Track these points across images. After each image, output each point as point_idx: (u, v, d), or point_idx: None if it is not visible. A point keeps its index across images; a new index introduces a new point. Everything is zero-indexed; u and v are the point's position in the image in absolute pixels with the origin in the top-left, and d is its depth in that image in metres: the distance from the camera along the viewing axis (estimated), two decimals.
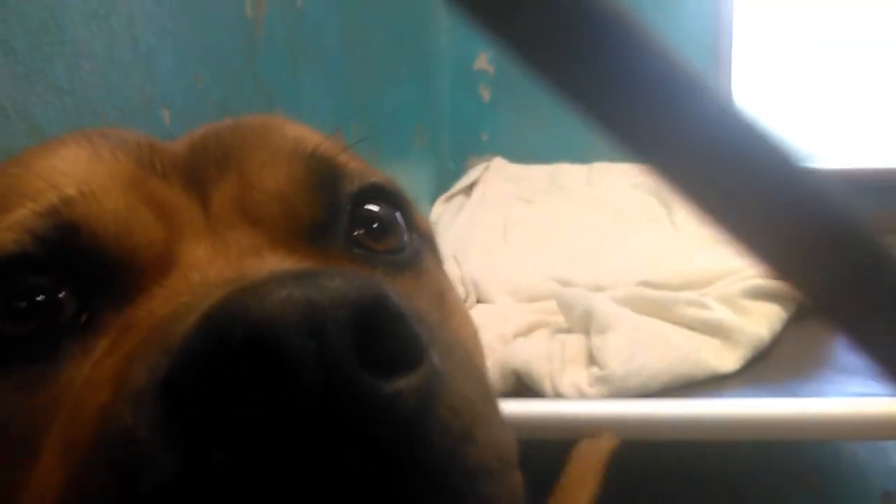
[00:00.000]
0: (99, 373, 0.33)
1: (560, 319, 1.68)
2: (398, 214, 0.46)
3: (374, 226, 0.45)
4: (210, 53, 1.19)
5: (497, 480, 0.30)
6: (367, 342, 0.26)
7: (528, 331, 1.66)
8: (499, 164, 2.96)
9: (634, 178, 2.63)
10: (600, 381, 1.43)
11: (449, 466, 0.28)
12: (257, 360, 0.25)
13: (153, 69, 1.02)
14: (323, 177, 0.43)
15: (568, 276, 1.91)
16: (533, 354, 1.52)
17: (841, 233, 0.13)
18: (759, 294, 1.64)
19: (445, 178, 2.92)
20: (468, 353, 0.34)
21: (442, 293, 0.47)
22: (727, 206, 0.13)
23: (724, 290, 1.67)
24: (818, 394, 1.39)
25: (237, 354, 0.25)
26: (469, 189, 2.79)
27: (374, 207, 0.45)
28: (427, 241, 0.49)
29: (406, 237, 0.46)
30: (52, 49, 0.83)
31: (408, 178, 2.52)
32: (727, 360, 1.50)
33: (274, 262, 0.37)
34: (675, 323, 1.58)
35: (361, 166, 0.46)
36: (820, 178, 0.13)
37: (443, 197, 2.75)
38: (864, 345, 0.13)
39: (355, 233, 0.44)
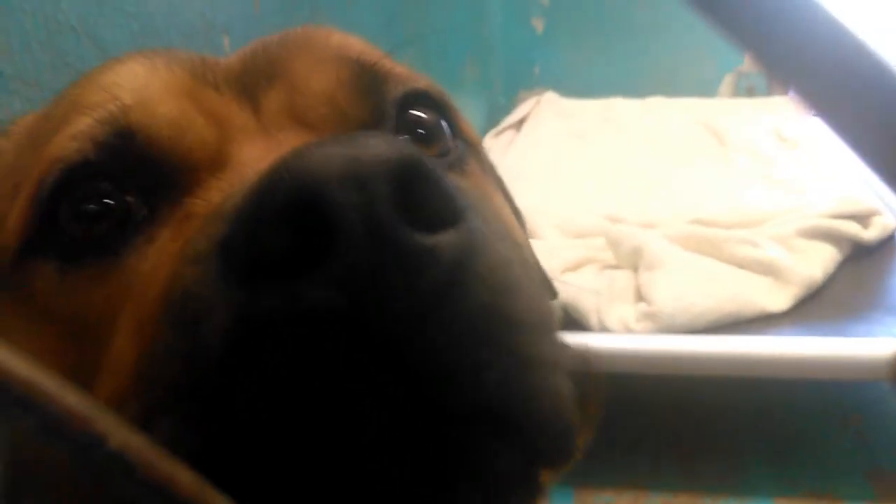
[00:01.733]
0: (163, 255, 0.36)
1: (608, 256, 1.68)
2: (443, 121, 0.47)
3: (420, 131, 0.46)
4: None
5: (536, 334, 0.31)
6: (409, 199, 0.27)
7: (576, 266, 1.66)
8: (550, 99, 2.92)
9: (690, 114, 2.58)
10: (647, 316, 1.44)
11: (488, 315, 0.29)
12: (304, 213, 0.26)
13: None
14: (368, 80, 0.44)
15: (618, 213, 1.90)
16: (580, 289, 1.53)
17: None
18: (815, 234, 1.62)
19: (496, 113, 2.89)
20: (507, 226, 0.34)
21: (487, 196, 0.47)
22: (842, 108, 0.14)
23: (779, 230, 1.64)
24: (868, 335, 1.38)
25: (285, 209, 0.26)
26: (519, 124, 2.77)
27: (419, 113, 0.46)
28: (472, 147, 0.49)
29: (451, 143, 0.47)
30: None
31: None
32: (778, 299, 1.49)
33: None
34: (725, 261, 1.57)
35: (406, 72, 0.47)
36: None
37: (493, 132, 2.73)
38: None
39: (403, 137, 0.45)
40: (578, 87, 2.92)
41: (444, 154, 0.46)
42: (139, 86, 0.41)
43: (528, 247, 0.50)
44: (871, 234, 1.68)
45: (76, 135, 0.39)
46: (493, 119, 2.84)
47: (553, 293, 0.67)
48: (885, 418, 1.68)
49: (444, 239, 0.28)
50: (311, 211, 0.26)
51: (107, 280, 0.38)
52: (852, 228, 1.66)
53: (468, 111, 2.70)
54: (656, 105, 2.75)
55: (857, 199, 1.74)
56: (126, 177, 0.39)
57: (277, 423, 0.27)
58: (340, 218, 0.26)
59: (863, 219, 1.69)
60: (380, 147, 0.27)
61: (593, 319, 1.48)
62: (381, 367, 0.27)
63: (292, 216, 0.26)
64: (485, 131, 2.74)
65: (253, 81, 0.44)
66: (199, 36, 1.00)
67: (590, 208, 1.97)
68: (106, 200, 0.39)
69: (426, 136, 0.46)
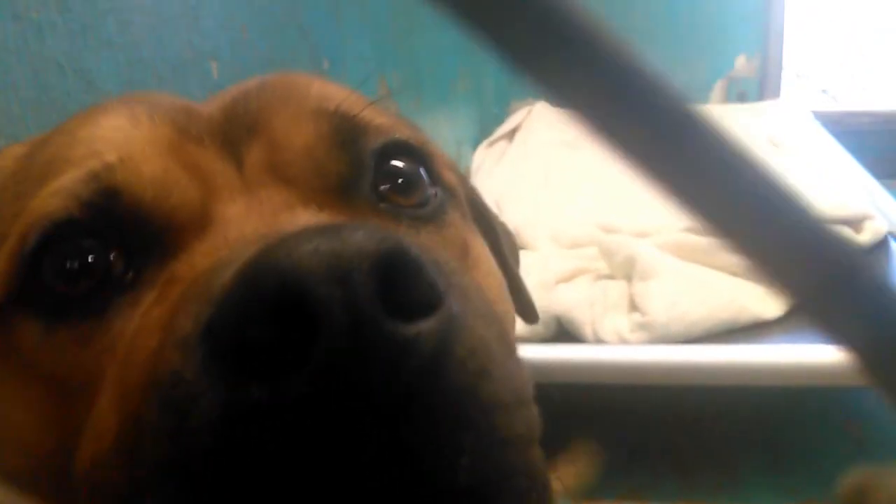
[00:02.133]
0: (147, 322, 0.36)
1: (602, 266, 1.68)
2: (422, 170, 0.48)
3: (399, 181, 0.46)
4: (255, 5, 1.20)
5: (512, 414, 0.32)
6: (389, 289, 0.28)
7: (569, 277, 1.67)
8: (542, 109, 2.93)
9: None
10: (642, 327, 1.44)
11: (466, 400, 0.30)
12: (289, 308, 0.27)
13: (201, 22, 1.04)
14: (347, 133, 0.45)
15: (611, 223, 1.90)
16: (574, 300, 1.53)
17: (821, 246, 0.14)
18: None
19: (488, 123, 2.90)
20: (485, 298, 0.35)
21: (466, 246, 0.48)
22: (734, 219, 0.14)
23: None
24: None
25: (269, 303, 0.27)
26: (512, 134, 2.78)
27: (398, 163, 0.46)
28: (452, 194, 0.50)
29: (430, 191, 0.47)
30: (105, 5, 0.85)
31: (450, 124, 2.52)
32: (771, 306, 1.49)
33: (305, 218, 0.39)
34: (719, 269, 1.57)
35: (386, 122, 0.47)
36: (806, 208, 0.14)
37: (485, 142, 2.74)
38: (836, 335, 0.15)
39: (381, 187, 0.45)
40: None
41: (423, 203, 0.47)
42: (122, 141, 0.42)
43: (506, 308, 0.50)
44: (863, 238, 1.68)
45: (59, 191, 0.40)
46: (485, 129, 2.84)
47: (535, 317, 0.68)
48: (882, 424, 1.68)
49: (425, 326, 0.29)
50: (296, 305, 0.27)
51: (92, 341, 0.38)
52: (844, 233, 1.66)
53: (460, 121, 2.71)
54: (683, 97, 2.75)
55: (850, 204, 1.74)
56: (110, 235, 0.40)
57: (262, 501, 0.28)
58: (324, 313, 0.27)
59: (855, 223, 1.70)
60: (362, 240, 0.28)
61: (587, 331, 1.49)
62: (362, 451, 0.28)
63: (276, 310, 0.27)
64: (477, 141, 2.75)
65: (235, 134, 0.44)
66: (187, 65, 1.00)
67: (582, 218, 1.97)
68: (89, 258, 0.39)
69: (405, 186, 0.46)
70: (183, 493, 0.29)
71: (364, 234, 0.28)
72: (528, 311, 0.67)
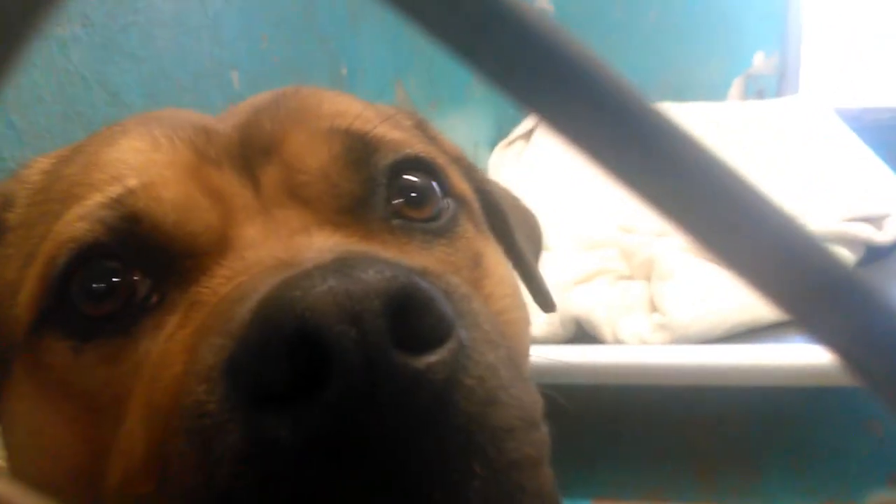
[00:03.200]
0: (172, 346, 0.38)
1: (622, 266, 1.68)
2: (434, 183, 0.49)
3: (413, 195, 0.47)
4: (273, 14, 1.21)
5: (520, 437, 0.33)
6: (400, 324, 0.29)
7: (589, 278, 1.67)
8: None
9: (700, 118, 2.57)
10: (661, 327, 1.44)
11: (475, 427, 0.31)
12: (305, 345, 0.29)
13: (221, 33, 1.05)
14: (359, 152, 0.46)
15: (630, 223, 1.90)
16: (593, 301, 1.53)
17: (806, 256, 0.15)
18: (828, 237, 1.61)
19: (505, 124, 2.89)
20: (495, 321, 0.37)
21: (478, 256, 0.49)
22: (721, 235, 0.15)
23: None
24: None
25: (288, 341, 0.29)
26: (529, 134, 2.77)
27: (411, 178, 0.48)
28: (464, 205, 0.51)
29: (442, 204, 0.49)
30: (127, 19, 0.86)
31: (467, 125, 2.52)
32: None
33: (321, 240, 0.40)
34: None
35: (399, 136, 0.48)
36: (793, 222, 0.15)
37: (502, 143, 2.74)
38: (823, 339, 0.16)
39: (394, 202, 0.47)
40: None
41: (435, 217, 0.48)
42: (143, 165, 0.43)
43: (519, 319, 0.51)
44: (884, 236, 1.67)
45: (85, 216, 0.41)
46: (502, 130, 2.84)
47: (552, 306, 0.69)
48: None
49: (434, 359, 0.30)
50: (311, 344, 0.29)
51: (119, 360, 0.40)
52: (866, 231, 1.65)
53: (477, 123, 2.71)
54: (666, 111, 2.74)
55: (871, 202, 1.73)
56: (133, 257, 0.41)
57: None
58: (337, 351, 0.28)
59: (876, 221, 1.68)
60: (373, 279, 0.30)
61: (607, 332, 1.49)
62: (377, 479, 0.30)
63: (293, 349, 0.29)
64: (494, 142, 2.75)
65: (251, 156, 0.45)
66: (208, 75, 1.02)
67: (602, 219, 1.97)
68: (114, 279, 0.41)
69: (418, 199, 0.47)
70: None
71: (375, 272, 0.30)
72: (544, 300, 0.68)
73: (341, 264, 0.31)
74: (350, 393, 0.29)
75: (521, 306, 0.53)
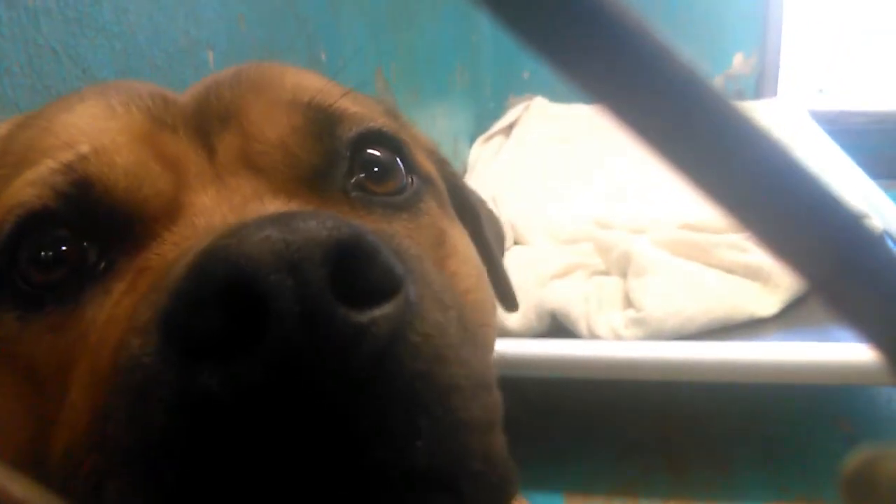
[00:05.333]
0: (117, 312, 0.37)
1: (597, 261, 1.69)
2: (398, 159, 0.48)
3: (375, 169, 0.46)
4: None
5: (469, 398, 0.33)
6: (343, 276, 0.28)
7: (565, 273, 1.67)
8: (539, 104, 2.93)
9: None
10: (636, 322, 1.45)
11: (420, 385, 0.31)
12: (239, 297, 0.27)
13: (198, 11, 1.03)
14: (321, 124, 0.45)
15: (607, 218, 1.91)
16: (569, 296, 1.53)
17: (838, 227, 0.14)
18: None
19: (485, 118, 2.89)
20: (447, 285, 0.36)
21: (441, 234, 0.48)
22: (746, 200, 0.14)
23: None
24: (857, 339, 1.38)
25: (220, 292, 0.28)
26: (509, 129, 2.77)
27: (374, 152, 0.47)
28: (429, 183, 0.50)
29: (405, 180, 0.48)
30: None
31: (448, 118, 2.51)
32: (766, 304, 1.49)
33: (274, 207, 0.39)
34: (714, 266, 1.58)
35: (361, 111, 0.47)
36: (821, 183, 0.14)
37: (482, 137, 2.74)
38: (856, 324, 0.15)
39: (358, 176, 0.46)
40: (567, 91, 2.92)
41: (399, 191, 0.47)
42: (97, 131, 0.42)
43: (482, 298, 0.50)
44: (869, 227, 1.68)
45: (35, 181, 0.40)
46: (482, 124, 2.84)
47: (515, 305, 0.68)
48: (874, 422, 1.69)
49: (379, 313, 0.29)
50: (246, 295, 0.27)
51: (65, 330, 0.38)
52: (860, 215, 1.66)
53: (457, 116, 2.71)
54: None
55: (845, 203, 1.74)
56: (83, 224, 0.40)
57: (219, 488, 0.29)
58: (273, 301, 0.27)
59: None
60: (314, 228, 0.28)
61: (582, 326, 1.49)
62: (317, 435, 0.29)
63: (228, 299, 0.28)
64: (474, 137, 2.74)
65: (208, 124, 0.44)
66: (183, 53, 1.00)
67: (579, 214, 1.97)
68: (62, 247, 0.40)
69: (380, 174, 0.46)
70: (142, 478, 0.30)
71: (317, 223, 0.29)
72: (508, 298, 0.67)
73: (282, 215, 0.30)
74: (286, 346, 0.27)
75: (487, 289, 0.53)
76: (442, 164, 0.59)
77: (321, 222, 0.29)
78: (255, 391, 0.28)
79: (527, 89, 3.08)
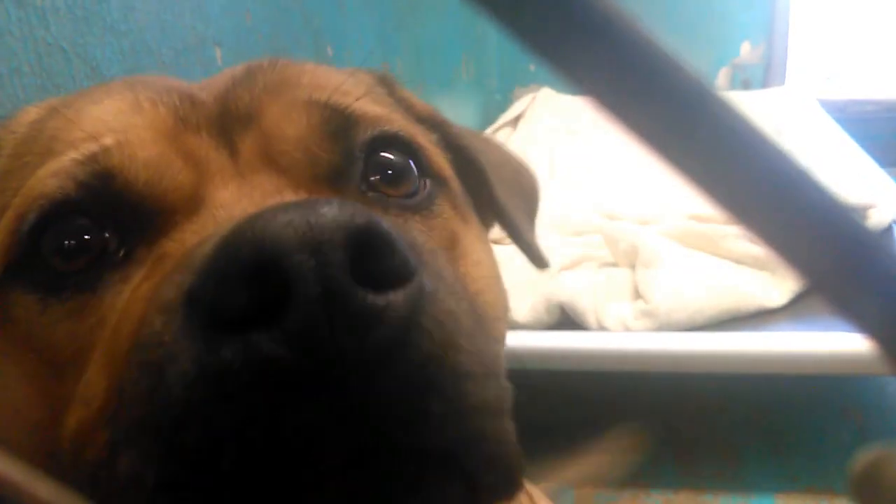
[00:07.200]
0: (136, 295, 0.38)
1: (606, 253, 1.68)
2: (411, 162, 0.48)
3: (389, 172, 0.47)
4: None
5: (480, 383, 0.34)
6: (362, 260, 0.29)
7: (573, 265, 1.67)
8: (546, 95, 2.92)
9: None
10: (645, 314, 1.45)
11: (433, 367, 0.32)
12: (263, 275, 0.28)
13: (205, 8, 1.03)
14: (338, 125, 0.46)
15: (615, 210, 1.90)
16: (578, 288, 1.53)
17: (838, 226, 0.14)
18: None
19: (492, 110, 2.89)
20: (459, 279, 0.37)
21: (455, 236, 0.49)
22: (746, 198, 0.14)
23: None
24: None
25: (246, 269, 0.29)
26: (515, 121, 2.77)
27: (388, 155, 0.48)
28: (443, 185, 0.51)
29: (419, 183, 0.48)
30: None
31: (454, 111, 2.51)
32: (775, 294, 1.49)
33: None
34: (723, 257, 1.57)
35: (378, 113, 0.48)
36: (820, 185, 0.14)
37: (489, 129, 2.73)
38: (857, 322, 0.15)
39: (372, 178, 0.47)
40: None
41: (411, 195, 0.48)
42: (122, 126, 0.43)
43: (496, 298, 0.51)
44: (868, 226, 1.68)
45: (58, 172, 0.41)
46: (488, 116, 2.84)
47: (545, 262, 0.68)
48: (884, 412, 1.68)
49: (394, 297, 0.30)
50: (270, 273, 0.28)
51: (84, 314, 0.40)
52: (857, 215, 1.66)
53: (463, 109, 2.70)
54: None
55: (854, 192, 1.74)
56: (104, 215, 0.41)
57: (235, 461, 0.29)
58: (295, 279, 0.28)
59: (859, 212, 1.69)
60: (336, 213, 0.29)
61: (591, 318, 1.49)
62: (332, 413, 0.30)
63: (252, 277, 0.28)
64: (481, 129, 2.74)
65: (230, 124, 0.45)
66: (191, 50, 1.00)
67: (586, 206, 1.97)
68: (85, 236, 0.41)
69: (394, 177, 0.47)
70: (158, 447, 0.31)
71: (339, 208, 0.30)
72: (536, 256, 0.68)
73: (305, 201, 0.31)
74: (307, 323, 0.28)
75: (500, 290, 0.53)
76: (441, 127, 0.58)
77: (343, 209, 0.30)
78: (275, 367, 0.28)
79: (533, 80, 3.08)
